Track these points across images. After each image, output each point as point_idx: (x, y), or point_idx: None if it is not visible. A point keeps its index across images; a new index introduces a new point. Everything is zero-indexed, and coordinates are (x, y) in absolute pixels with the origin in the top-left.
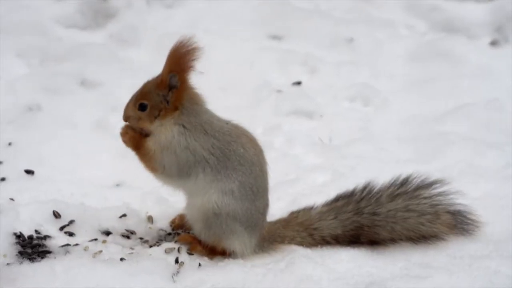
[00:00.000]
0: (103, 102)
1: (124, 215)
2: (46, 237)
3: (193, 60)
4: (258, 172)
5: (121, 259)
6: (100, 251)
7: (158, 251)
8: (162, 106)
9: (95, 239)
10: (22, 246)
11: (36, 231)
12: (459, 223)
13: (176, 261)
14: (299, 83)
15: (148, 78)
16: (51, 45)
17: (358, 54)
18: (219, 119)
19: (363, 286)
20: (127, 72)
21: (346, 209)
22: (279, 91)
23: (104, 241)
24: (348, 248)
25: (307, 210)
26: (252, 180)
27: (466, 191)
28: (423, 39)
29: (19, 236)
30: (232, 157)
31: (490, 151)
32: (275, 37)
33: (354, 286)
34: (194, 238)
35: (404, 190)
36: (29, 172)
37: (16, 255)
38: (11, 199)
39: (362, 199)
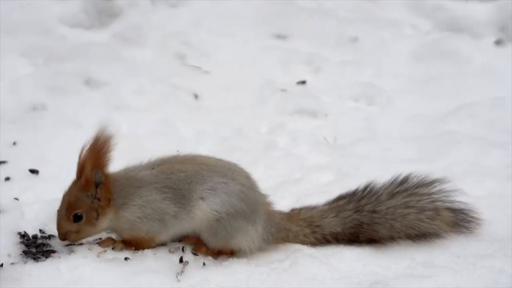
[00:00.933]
0: (107, 102)
1: None
2: (50, 236)
3: (110, 151)
4: (218, 169)
5: (126, 259)
6: (105, 251)
7: (162, 250)
8: (96, 206)
9: (100, 238)
10: (27, 245)
11: (40, 230)
12: (459, 220)
13: (181, 260)
14: (303, 82)
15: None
16: (56, 44)
17: (362, 54)
18: (142, 169)
19: (367, 285)
20: (131, 71)
21: (347, 207)
22: (283, 90)
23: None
24: (352, 247)
25: (310, 208)
26: (222, 175)
27: (469, 190)
28: (427, 39)
29: (23, 235)
30: (186, 180)
31: (494, 150)
32: (279, 37)
33: (358, 285)
34: (199, 238)
35: (404, 188)
36: (33, 171)
37: (21, 254)
38: (16, 198)
39: (363, 197)
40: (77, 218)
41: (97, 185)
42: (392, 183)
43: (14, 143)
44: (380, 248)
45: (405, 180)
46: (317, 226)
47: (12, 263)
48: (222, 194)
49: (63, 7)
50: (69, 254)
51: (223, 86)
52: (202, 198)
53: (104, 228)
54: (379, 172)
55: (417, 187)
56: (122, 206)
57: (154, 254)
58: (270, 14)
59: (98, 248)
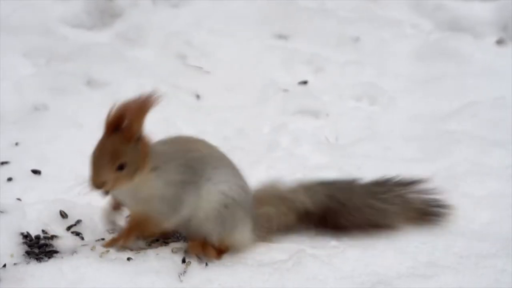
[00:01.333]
0: (109, 102)
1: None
2: (53, 236)
3: (150, 111)
4: (224, 157)
5: (128, 259)
6: (107, 251)
7: (165, 250)
8: (136, 159)
9: (102, 239)
10: (29, 246)
11: (43, 231)
12: (429, 214)
13: (183, 260)
14: (305, 82)
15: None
16: (57, 44)
17: (363, 53)
18: (159, 144)
19: (369, 285)
20: (133, 71)
21: (317, 189)
22: (285, 90)
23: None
24: (355, 247)
25: (274, 183)
26: (228, 163)
27: (471, 190)
28: (429, 38)
29: (26, 236)
30: (193, 166)
31: (495, 149)
32: (281, 37)
33: (361, 285)
34: (204, 244)
35: (382, 184)
36: (36, 172)
37: (23, 255)
38: (18, 199)
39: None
40: (121, 167)
41: (137, 139)
42: (373, 183)
43: (16, 144)
44: (383, 248)
45: (386, 180)
46: (290, 201)
47: (14, 264)
48: (230, 182)
49: (65, 8)
50: (72, 254)
51: (224, 86)
52: (213, 182)
53: (133, 183)
54: (381, 171)
55: (394, 185)
56: (154, 170)
57: (157, 254)
58: (271, 14)
59: (100, 248)
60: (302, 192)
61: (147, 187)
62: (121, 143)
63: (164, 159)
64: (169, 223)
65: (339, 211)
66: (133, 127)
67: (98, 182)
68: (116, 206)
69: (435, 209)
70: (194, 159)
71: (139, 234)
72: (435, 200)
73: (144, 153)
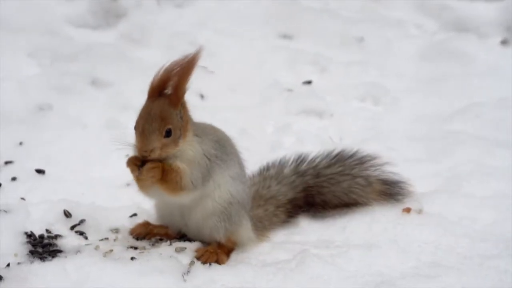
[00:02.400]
0: (113, 102)
1: (135, 215)
2: (57, 236)
3: (194, 70)
4: (238, 154)
5: (132, 258)
6: (111, 250)
7: (168, 250)
8: (180, 125)
9: (106, 238)
10: (33, 245)
11: (47, 230)
12: (388, 189)
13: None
14: (309, 82)
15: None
16: (62, 45)
17: (367, 54)
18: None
19: (373, 285)
20: (137, 71)
21: (286, 174)
22: (289, 90)
23: (115, 240)
24: (358, 247)
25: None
26: (241, 161)
27: (475, 190)
28: (433, 39)
29: (30, 235)
30: (225, 146)
31: (499, 150)
32: (285, 37)
33: (364, 286)
34: (214, 251)
35: (339, 159)
36: (40, 171)
37: (27, 254)
38: (22, 198)
39: (300, 163)
40: (168, 133)
41: (181, 104)
42: (326, 156)
43: (20, 143)
44: (385, 248)
45: (338, 154)
46: (272, 198)
47: (18, 263)
48: (240, 184)
49: (70, 8)
50: (76, 253)
51: (228, 86)
52: (231, 176)
53: (177, 150)
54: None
55: (349, 159)
56: (196, 138)
57: (160, 254)
58: (276, 14)
59: (104, 248)
60: (278, 184)
61: (190, 151)
62: (168, 108)
63: (200, 130)
64: (190, 194)
65: (312, 192)
66: (180, 91)
67: (147, 150)
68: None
69: (394, 184)
70: (223, 139)
71: (159, 184)
72: (393, 175)
73: (186, 119)
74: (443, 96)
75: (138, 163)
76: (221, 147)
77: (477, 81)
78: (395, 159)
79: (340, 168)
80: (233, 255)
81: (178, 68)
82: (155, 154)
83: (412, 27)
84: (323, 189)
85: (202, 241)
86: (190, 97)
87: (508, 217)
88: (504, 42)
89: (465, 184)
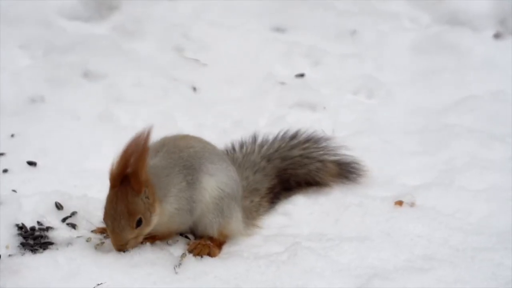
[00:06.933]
0: (106, 94)
1: None
2: (48, 228)
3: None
4: (212, 149)
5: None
6: (103, 243)
7: (160, 242)
8: (148, 205)
9: None
10: (24, 237)
11: (38, 222)
12: (344, 171)
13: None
14: (302, 75)
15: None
16: (55, 36)
17: (362, 46)
18: (155, 154)
19: (366, 278)
20: (131, 64)
21: (256, 160)
22: (283, 83)
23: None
24: (351, 239)
25: None
26: (219, 153)
27: (470, 183)
28: (427, 32)
29: (21, 227)
30: (193, 158)
31: (495, 143)
32: (279, 29)
33: (357, 278)
34: (206, 244)
35: (297, 143)
36: (31, 163)
37: (18, 246)
38: (14, 190)
39: (262, 146)
40: (139, 223)
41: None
42: (282, 137)
43: (12, 135)
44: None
45: (294, 136)
46: (254, 190)
47: (10, 255)
48: (225, 175)
49: (63, 0)
50: (67, 246)
51: (222, 78)
52: (210, 175)
53: (154, 225)
54: (379, 164)
55: (306, 142)
56: (164, 199)
57: (152, 246)
58: (270, 7)
59: (96, 240)
60: (255, 173)
61: (163, 216)
62: (133, 199)
63: (163, 176)
64: (186, 227)
65: (286, 176)
66: (141, 176)
67: (121, 245)
68: None
69: (347, 165)
70: (190, 157)
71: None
72: (349, 157)
73: (152, 196)
74: (438, 89)
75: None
76: (190, 167)
77: (471, 74)
78: (390, 151)
79: (301, 152)
80: (225, 248)
81: (134, 152)
82: (131, 245)
83: (406, 20)
84: (295, 171)
85: (194, 235)
86: (184, 90)
87: (503, 210)
88: (497, 36)
89: (460, 177)
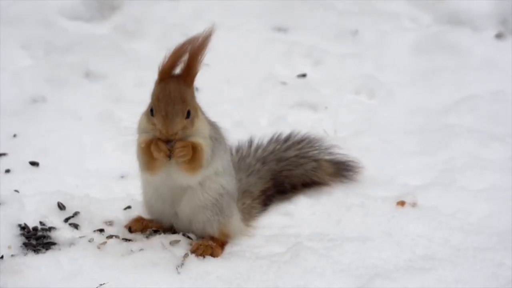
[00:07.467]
0: (107, 94)
1: (129, 207)
2: (50, 228)
3: (207, 47)
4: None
5: (126, 251)
6: (105, 243)
7: (163, 243)
8: (194, 104)
9: (100, 231)
10: (27, 237)
11: (40, 222)
12: (339, 170)
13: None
14: (303, 75)
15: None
16: (56, 36)
17: (362, 46)
18: None
19: (367, 278)
20: (132, 64)
21: (250, 163)
22: (283, 83)
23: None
24: (353, 240)
25: None
26: (229, 150)
27: (470, 183)
28: (428, 31)
29: (23, 227)
30: (219, 129)
31: (495, 143)
32: (280, 29)
33: (359, 278)
34: (209, 244)
35: (292, 143)
36: (33, 163)
37: (21, 246)
38: (16, 190)
39: (257, 149)
40: (188, 114)
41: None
42: (276, 140)
43: (14, 135)
44: (380, 240)
45: (288, 137)
46: (246, 191)
47: (12, 255)
48: (229, 174)
49: (64, 0)
50: (69, 246)
51: (223, 78)
52: (221, 165)
53: (195, 131)
54: (379, 164)
55: (300, 143)
56: (203, 116)
57: (154, 246)
58: (270, 7)
59: (98, 240)
60: (249, 176)
61: (203, 128)
62: (185, 89)
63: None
64: (204, 172)
65: (280, 178)
66: (193, 70)
67: (173, 133)
68: None
69: (345, 163)
70: (215, 124)
71: (185, 163)
72: (343, 156)
73: (195, 97)
74: (438, 89)
75: (164, 145)
76: (216, 130)
77: (472, 74)
78: (390, 151)
79: (296, 152)
80: (227, 248)
81: (190, 47)
82: (179, 136)
83: (406, 20)
84: (290, 172)
85: (194, 234)
86: None
87: (503, 210)
88: (498, 36)
89: (460, 177)
